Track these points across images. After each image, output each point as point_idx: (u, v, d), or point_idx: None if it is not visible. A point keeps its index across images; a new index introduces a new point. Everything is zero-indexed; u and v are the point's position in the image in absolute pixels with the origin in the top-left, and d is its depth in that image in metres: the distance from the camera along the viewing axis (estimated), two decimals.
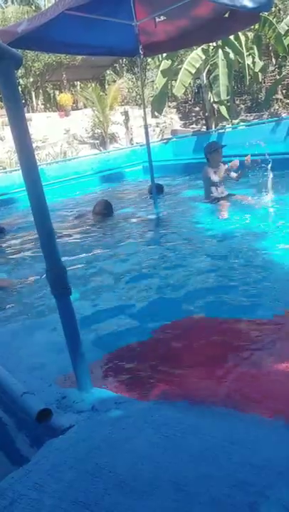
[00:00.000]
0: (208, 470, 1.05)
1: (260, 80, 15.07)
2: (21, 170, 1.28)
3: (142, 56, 5.39)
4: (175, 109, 18.76)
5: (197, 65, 12.03)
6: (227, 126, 12.98)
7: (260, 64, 13.00)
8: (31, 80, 17.74)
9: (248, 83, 14.70)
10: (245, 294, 2.77)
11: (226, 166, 5.34)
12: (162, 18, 4.86)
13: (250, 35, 12.79)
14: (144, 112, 5.81)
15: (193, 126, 17.46)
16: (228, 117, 13.02)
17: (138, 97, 17.72)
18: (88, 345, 1.90)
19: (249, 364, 1.81)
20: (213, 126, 14.03)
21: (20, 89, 13.68)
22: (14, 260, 4.36)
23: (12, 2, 20.10)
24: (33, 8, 18.99)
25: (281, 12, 15.10)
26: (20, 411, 1.39)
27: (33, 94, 18.68)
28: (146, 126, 5.81)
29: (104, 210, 5.60)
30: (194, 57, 11.93)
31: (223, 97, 11.73)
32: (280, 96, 16.12)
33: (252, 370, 1.75)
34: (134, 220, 5.41)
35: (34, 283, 3.39)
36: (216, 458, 1.08)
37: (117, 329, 2.44)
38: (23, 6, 18.90)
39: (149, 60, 15.09)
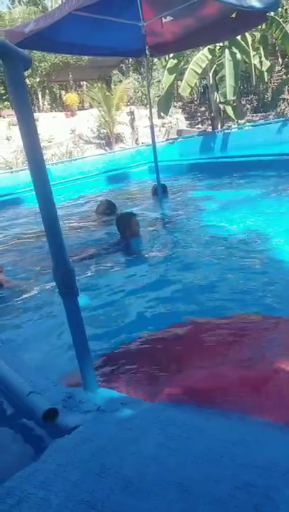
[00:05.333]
0: (213, 471, 1.05)
1: (267, 80, 15.01)
2: (30, 170, 1.29)
3: (148, 56, 5.40)
4: (181, 109, 18.75)
5: (203, 65, 12.00)
6: (233, 126, 12.95)
7: (266, 64, 12.95)
8: (38, 79, 17.83)
9: (254, 83, 14.65)
10: (252, 295, 2.77)
11: None
12: (169, 18, 4.87)
13: (257, 35, 12.74)
14: (150, 112, 5.82)
15: (199, 126, 17.44)
16: (234, 117, 12.99)
17: (144, 97, 17.74)
18: (94, 345, 1.90)
19: (255, 365, 1.81)
20: (219, 126, 14.00)
21: None
22: None
23: (19, 2, 20.21)
24: (40, 8, 19.09)
25: (288, 12, 15.03)
26: (26, 410, 1.39)
27: (40, 94, 18.76)
28: (152, 127, 5.82)
29: (107, 210, 5.60)
30: (200, 57, 11.91)
31: (230, 97, 11.69)
32: (286, 96, 16.05)
33: (258, 372, 1.75)
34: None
35: (42, 283, 3.41)
36: (221, 459, 1.08)
37: (122, 329, 2.45)
38: (30, 6, 19.02)
39: (156, 60, 15.09)
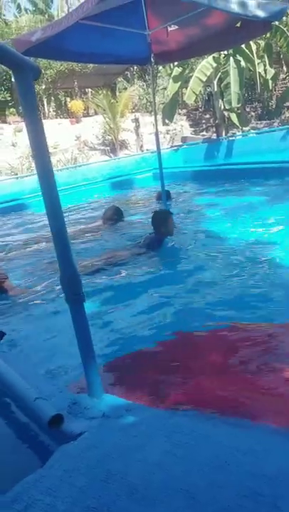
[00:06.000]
0: (220, 479, 1.04)
1: (271, 88, 15.09)
2: (38, 178, 1.30)
3: (153, 64, 5.44)
4: (185, 117, 18.85)
5: (208, 73, 12.09)
6: (237, 133, 13.00)
7: (271, 72, 13.02)
8: (43, 87, 18.00)
9: (259, 91, 14.72)
10: (258, 302, 2.76)
11: None
12: (174, 27, 4.91)
13: (261, 43, 12.83)
14: (155, 119, 5.84)
15: (204, 133, 17.50)
16: (238, 125, 13.04)
17: (149, 104, 17.85)
18: (99, 351, 1.91)
19: (262, 373, 1.81)
20: (224, 133, 14.05)
21: None
22: None
23: (26, 11, 20.47)
24: (47, 16, 19.32)
25: None
26: (33, 416, 1.40)
27: (45, 101, 18.93)
28: (156, 133, 5.84)
29: (115, 216, 5.63)
30: (205, 65, 12.00)
31: (234, 104, 11.76)
32: None
33: (265, 379, 1.74)
34: (143, 226, 5.42)
35: (48, 289, 3.42)
36: (227, 467, 1.07)
37: (128, 336, 2.45)
38: (37, 15, 19.26)
39: (160, 67, 15.22)
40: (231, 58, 11.62)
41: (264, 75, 12.90)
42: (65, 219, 1.37)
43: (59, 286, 1.41)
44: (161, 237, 4.25)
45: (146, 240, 4.27)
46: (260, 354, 2.02)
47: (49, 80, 17.75)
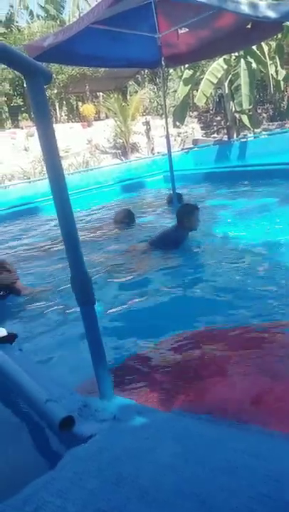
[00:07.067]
0: (230, 483, 1.04)
1: (283, 89, 14.98)
2: (49, 181, 1.31)
3: (163, 67, 5.45)
4: (196, 119, 18.82)
5: (219, 75, 12.06)
6: (249, 135, 12.93)
7: (282, 73, 12.95)
8: (55, 91, 18.17)
9: (272, 92, 14.63)
10: (270, 303, 2.74)
11: None
12: (184, 29, 4.91)
13: (273, 44, 12.76)
14: (166, 121, 5.85)
15: (215, 135, 17.44)
16: (250, 126, 12.98)
17: (159, 107, 17.89)
18: (110, 353, 1.91)
19: (273, 376, 1.79)
20: (235, 135, 13.99)
21: None
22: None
23: (38, 17, 20.71)
24: (58, 22, 19.52)
25: None
26: (44, 418, 1.40)
27: (57, 105, 19.11)
28: (167, 136, 5.85)
29: (126, 219, 5.64)
30: (216, 67, 11.99)
31: (245, 106, 11.71)
32: None
33: (277, 383, 1.72)
34: (154, 229, 5.42)
35: (59, 291, 3.44)
36: (238, 471, 1.06)
37: (139, 337, 2.45)
38: (48, 21, 19.47)
39: (171, 70, 15.26)
40: (242, 60, 11.58)
41: (275, 77, 12.82)
42: (76, 222, 1.38)
43: (70, 288, 1.41)
44: (181, 233, 4.26)
45: (160, 234, 4.27)
46: (273, 357, 2.00)
47: (61, 85, 17.91)
